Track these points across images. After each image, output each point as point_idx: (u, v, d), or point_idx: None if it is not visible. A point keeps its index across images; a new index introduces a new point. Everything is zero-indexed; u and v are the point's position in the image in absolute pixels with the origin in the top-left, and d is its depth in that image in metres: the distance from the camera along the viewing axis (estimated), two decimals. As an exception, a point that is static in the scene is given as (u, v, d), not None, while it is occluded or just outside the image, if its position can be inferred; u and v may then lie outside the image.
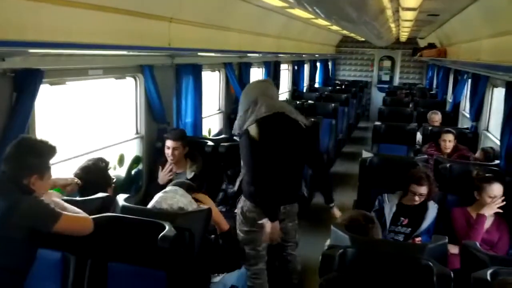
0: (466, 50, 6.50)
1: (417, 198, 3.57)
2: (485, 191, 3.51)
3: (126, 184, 4.32)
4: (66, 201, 2.56)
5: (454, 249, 3.20)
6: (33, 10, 2.47)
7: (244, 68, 6.76)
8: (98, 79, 3.78)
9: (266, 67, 8.02)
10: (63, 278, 2.43)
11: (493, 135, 5.75)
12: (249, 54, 6.45)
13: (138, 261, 2.37)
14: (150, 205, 2.66)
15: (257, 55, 7.00)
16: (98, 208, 2.61)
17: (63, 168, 3.36)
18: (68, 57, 3.17)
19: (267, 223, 3.26)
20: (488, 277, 2.04)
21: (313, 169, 3.73)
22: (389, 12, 5.56)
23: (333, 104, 7.92)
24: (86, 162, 3.09)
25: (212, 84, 6.19)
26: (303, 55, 10.45)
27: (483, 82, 6.15)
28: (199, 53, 4.80)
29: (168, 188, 2.71)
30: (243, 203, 3.44)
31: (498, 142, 4.73)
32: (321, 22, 7.07)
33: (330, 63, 14.23)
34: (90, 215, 2.43)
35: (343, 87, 12.46)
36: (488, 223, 3.50)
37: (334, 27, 8.44)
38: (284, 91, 10.02)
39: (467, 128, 6.47)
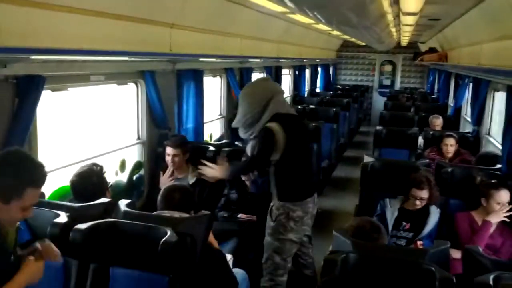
0: (467, 54, 6.50)
1: (418, 202, 3.57)
2: (492, 198, 3.47)
3: (127, 190, 4.33)
4: (66, 207, 2.56)
5: (456, 254, 3.19)
6: (34, 17, 2.48)
7: (245, 73, 6.77)
8: (100, 85, 3.79)
9: (267, 72, 8.03)
10: (65, 283, 2.42)
11: (494, 139, 5.74)
12: (250, 60, 6.46)
13: (140, 266, 2.37)
14: None
15: (258, 60, 7.01)
16: (99, 214, 2.61)
17: (65, 174, 3.36)
18: (70, 63, 3.18)
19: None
20: (491, 282, 2.03)
21: None
22: (389, 17, 5.57)
23: (334, 109, 7.92)
24: (81, 168, 3.08)
25: (213, 89, 6.20)
26: (304, 60, 10.47)
27: (484, 86, 6.15)
28: (200, 59, 4.82)
29: None
30: (281, 209, 3.41)
31: (500, 146, 4.72)
32: (322, 27, 7.07)
33: (331, 68, 14.24)
34: (91, 220, 2.42)
35: (344, 91, 12.47)
36: (492, 229, 3.47)
37: (335, 32, 8.45)
38: (285, 96, 10.01)
39: (468, 132, 6.46)
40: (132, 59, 3.78)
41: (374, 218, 3.63)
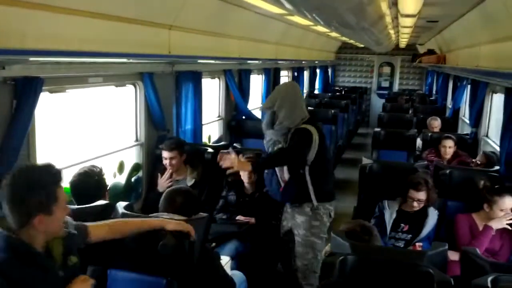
0: (465, 56, 6.51)
1: (415, 204, 3.57)
2: (496, 204, 3.45)
3: (126, 192, 4.32)
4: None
5: (454, 256, 3.18)
6: (33, 18, 2.47)
7: (244, 75, 6.77)
8: (98, 86, 3.79)
9: (266, 74, 8.03)
10: (62, 286, 2.42)
11: (493, 141, 5.75)
12: (248, 61, 6.46)
13: (138, 268, 2.37)
14: None
15: (257, 62, 7.02)
16: (98, 216, 2.61)
17: (63, 176, 3.36)
18: (68, 65, 3.18)
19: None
20: (489, 284, 2.03)
21: None
22: (388, 19, 5.57)
23: (332, 111, 7.93)
24: (80, 169, 3.08)
25: (212, 91, 6.20)
26: (303, 62, 10.48)
27: (483, 88, 6.16)
28: (199, 60, 4.82)
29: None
30: (322, 209, 3.56)
31: (498, 148, 4.73)
32: (321, 28, 7.08)
33: (329, 70, 14.25)
34: (89, 222, 2.42)
35: (342, 93, 12.48)
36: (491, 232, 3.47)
37: (334, 34, 8.46)
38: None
39: (467, 134, 6.47)
40: (131, 61, 3.78)
41: (372, 220, 3.64)
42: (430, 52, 9.82)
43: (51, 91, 3.16)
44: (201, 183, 4.12)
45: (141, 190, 4.46)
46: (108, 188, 3.20)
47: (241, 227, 3.96)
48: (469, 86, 7.17)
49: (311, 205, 3.53)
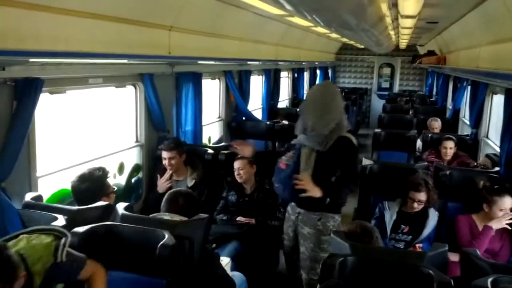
0: (466, 57, 6.51)
1: (416, 204, 3.57)
2: (496, 204, 3.45)
3: (126, 193, 4.32)
4: (64, 210, 2.56)
5: (454, 257, 3.18)
6: (33, 19, 2.47)
7: (244, 76, 6.78)
8: (98, 87, 3.79)
9: (266, 75, 8.04)
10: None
11: (493, 142, 5.75)
12: (249, 62, 6.46)
13: (138, 269, 2.37)
14: None
15: (257, 63, 7.02)
16: (97, 217, 2.61)
17: (63, 177, 3.36)
18: (68, 66, 3.18)
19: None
20: (489, 285, 2.03)
21: None
22: (388, 20, 5.57)
23: (333, 111, 7.89)
24: (83, 171, 3.09)
25: (212, 92, 6.20)
26: (303, 63, 10.47)
27: (483, 89, 6.16)
28: (199, 61, 4.82)
29: None
30: (332, 222, 3.37)
31: (498, 149, 4.72)
32: (321, 29, 7.08)
33: (330, 71, 14.25)
34: (89, 223, 2.42)
35: (343, 94, 12.44)
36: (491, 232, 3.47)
37: (334, 35, 8.46)
38: (284, 99, 10.02)
39: (467, 135, 6.47)
40: (131, 61, 3.78)
41: (372, 221, 3.64)
42: (430, 53, 9.82)
43: (51, 92, 3.16)
44: (201, 184, 4.12)
45: (141, 191, 4.46)
46: (114, 189, 3.20)
47: (241, 228, 3.96)
48: (469, 87, 7.17)
49: (323, 217, 3.36)
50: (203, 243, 2.53)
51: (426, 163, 4.57)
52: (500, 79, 4.33)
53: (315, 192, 3.18)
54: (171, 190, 2.94)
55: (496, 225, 3.43)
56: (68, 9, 2.69)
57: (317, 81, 12.95)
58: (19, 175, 2.86)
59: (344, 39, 10.37)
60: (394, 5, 4.48)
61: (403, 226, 3.59)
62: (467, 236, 3.53)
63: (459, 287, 2.21)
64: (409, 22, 5.55)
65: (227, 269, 3.06)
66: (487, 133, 6.16)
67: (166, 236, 2.29)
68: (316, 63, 12.00)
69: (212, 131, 6.18)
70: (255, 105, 7.82)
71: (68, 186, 3.12)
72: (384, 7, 4.45)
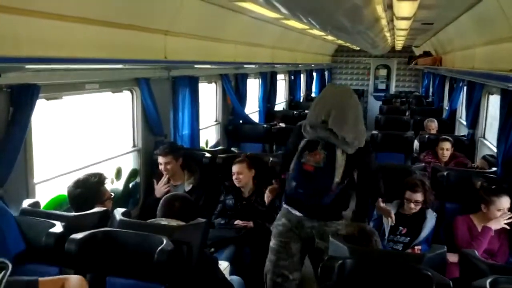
0: (461, 58, 6.53)
1: (413, 205, 3.57)
2: (493, 204, 3.46)
3: (123, 198, 4.31)
4: (61, 216, 2.55)
5: (453, 258, 3.18)
6: (28, 25, 2.47)
7: (240, 79, 6.77)
8: (95, 93, 3.78)
9: (262, 78, 8.04)
10: (61, 294, 2.41)
11: (489, 142, 5.76)
12: (245, 65, 6.47)
13: (136, 275, 2.36)
14: None
15: (253, 66, 7.02)
16: (95, 223, 2.60)
17: (60, 183, 3.35)
18: (64, 72, 3.17)
19: None
20: (488, 286, 2.03)
21: None
22: (383, 22, 5.59)
23: (330, 114, 7.89)
24: (78, 177, 3.08)
25: (209, 96, 6.20)
26: (299, 65, 10.48)
27: (479, 89, 6.17)
28: (195, 65, 4.82)
29: None
30: (340, 225, 3.16)
31: (495, 149, 4.74)
32: (316, 32, 7.10)
33: (326, 73, 14.27)
34: (86, 229, 2.41)
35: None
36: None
37: (330, 37, 8.47)
38: (281, 101, 10.03)
39: (464, 136, 6.48)
40: (127, 66, 3.77)
41: (371, 223, 3.64)
42: (426, 54, 9.84)
43: (47, 98, 3.16)
44: (198, 188, 4.12)
45: (139, 196, 4.45)
46: (111, 196, 3.19)
47: (239, 231, 3.95)
48: (465, 88, 7.18)
49: (339, 224, 3.10)
50: (202, 248, 2.53)
51: (423, 164, 4.58)
52: (495, 80, 4.34)
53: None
54: (167, 195, 2.93)
55: (495, 225, 3.43)
56: (64, 15, 2.69)
57: (314, 83, 12.98)
58: (16, 181, 2.85)
59: (340, 41, 10.39)
60: (389, 7, 4.49)
61: (401, 228, 3.60)
62: (466, 237, 3.53)
63: (458, 288, 2.21)
64: (404, 24, 5.57)
65: (225, 273, 3.05)
66: (484, 133, 6.18)
67: (164, 241, 2.28)
68: (313, 65, 12.02)
69: (209, 135, 6.17)
70: (252, 108, 7.82)
71: (65, 192, 3.11)
72: (379, 9, 4.47)
